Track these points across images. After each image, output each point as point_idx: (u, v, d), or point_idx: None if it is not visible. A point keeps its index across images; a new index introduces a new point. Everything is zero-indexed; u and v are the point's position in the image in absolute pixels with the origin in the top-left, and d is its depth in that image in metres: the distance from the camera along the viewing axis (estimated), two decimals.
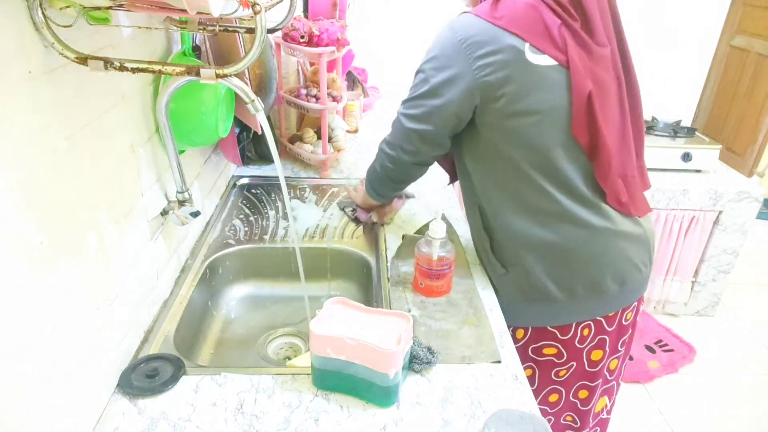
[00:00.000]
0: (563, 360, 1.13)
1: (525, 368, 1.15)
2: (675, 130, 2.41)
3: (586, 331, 1.11)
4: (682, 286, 2.41)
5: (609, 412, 1.32)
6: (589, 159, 0.99)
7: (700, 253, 2.36)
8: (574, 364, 1.14)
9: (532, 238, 1.04)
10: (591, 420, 1.26)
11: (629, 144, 1.04)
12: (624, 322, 1.15)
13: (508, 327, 1.13)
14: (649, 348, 2.31)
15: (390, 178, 1.18)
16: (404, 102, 1.06)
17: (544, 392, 1.19)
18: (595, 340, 1.13)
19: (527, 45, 0.92)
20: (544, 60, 0.93)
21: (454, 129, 1.04)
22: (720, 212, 2.26)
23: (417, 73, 1.03)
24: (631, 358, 2.24)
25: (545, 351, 1.13)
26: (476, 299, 1.07)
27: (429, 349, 0.90)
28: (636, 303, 1.15)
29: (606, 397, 1.27)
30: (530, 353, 1.14)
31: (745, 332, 2.44)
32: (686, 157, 2.30)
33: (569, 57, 0.92)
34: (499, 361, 0.92)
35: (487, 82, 0.94)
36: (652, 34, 2.62)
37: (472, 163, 1.09)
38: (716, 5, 2.63)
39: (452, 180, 1.25)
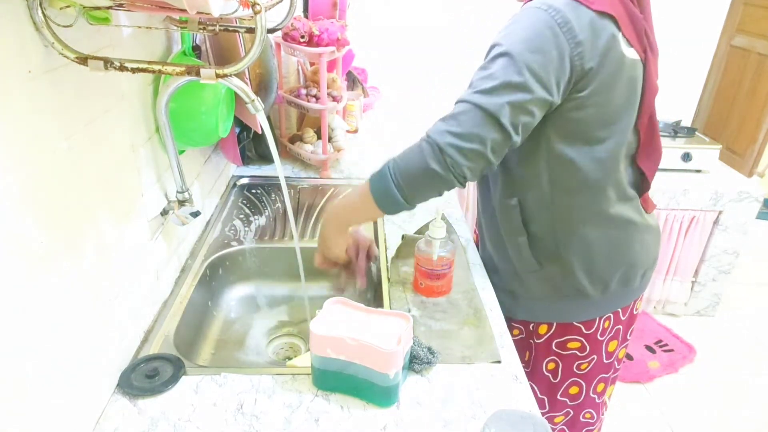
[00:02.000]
0: (586, 353, 1.14)
1: (548, 362, 1.15)
2: (675, 130, 2.41)
3: (606, 323, 1.12)
4: (682, 286, 2.41)
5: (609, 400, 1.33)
6: (637, 158, 0.99)
7: (700, 253, 2.36)
8: (595, 357, 1.15)
9: (580, 236, 1.01)
10: (602, 410, 1.27)
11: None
12: (635, 312, 1.17)
13: (530, 323, 1.13)
14: (649, 348, 2.31)
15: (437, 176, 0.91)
16: (487, 91, 0.86)
17: (565, 385, 1.19)
18: (613, 331, 1.14)
19: (621, 35, 0.87)
20: (631, 53, 0.89)
21: (538, 117, 0.89)
22: (720, 212, 2.26)
23: (500, 55, 0.86)
24: (631, 358, 2.24)
25: (569, 345, 1.13)
26: (476, 299, 1.07)
27: (429, 349, 0.90)
28: (642, 293, 1.17)
29: (612, 387, 1.29)
30: (554, 347, 1.14)
31: (745, 332, 2.44)
32: (686, 157, 2.30)
33: (647, 53, 0.91)
34: (499, 361, 0.92)
35: (583, 70, 0.86)
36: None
37: (517, 156, 0.98)
38: (716, 5, 2.63)
39: None
